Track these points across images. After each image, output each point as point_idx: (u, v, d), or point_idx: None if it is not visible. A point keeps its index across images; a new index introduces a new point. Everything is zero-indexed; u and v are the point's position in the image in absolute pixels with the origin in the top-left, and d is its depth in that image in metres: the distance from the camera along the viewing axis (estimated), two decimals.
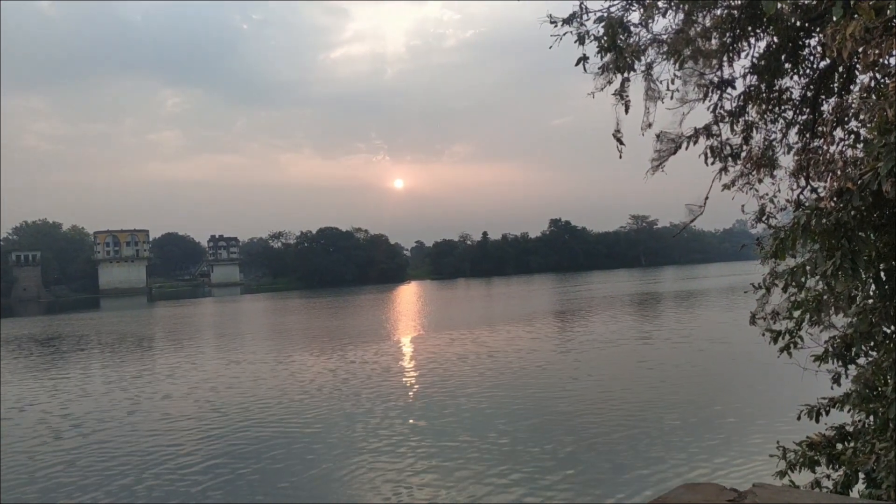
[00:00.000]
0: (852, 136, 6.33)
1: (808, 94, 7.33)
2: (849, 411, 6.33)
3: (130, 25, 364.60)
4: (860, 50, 4.08)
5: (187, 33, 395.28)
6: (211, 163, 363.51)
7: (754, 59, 7.26)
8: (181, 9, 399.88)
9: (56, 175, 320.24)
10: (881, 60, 4.17)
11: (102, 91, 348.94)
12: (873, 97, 4.99)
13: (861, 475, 6.02)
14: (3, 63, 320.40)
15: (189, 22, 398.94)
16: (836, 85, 7.08)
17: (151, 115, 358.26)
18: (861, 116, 6.01)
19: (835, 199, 4.23)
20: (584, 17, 7.00)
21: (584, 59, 7.03)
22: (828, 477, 6.57)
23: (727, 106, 7.51)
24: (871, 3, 3.99)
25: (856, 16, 4.12)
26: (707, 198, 7.44)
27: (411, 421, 23.28)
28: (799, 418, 7.04)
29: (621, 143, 7.42)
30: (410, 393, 28.21)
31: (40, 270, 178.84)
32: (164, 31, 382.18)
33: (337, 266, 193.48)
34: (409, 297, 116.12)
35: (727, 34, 7.10)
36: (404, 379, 31.82)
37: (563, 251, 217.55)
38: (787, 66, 7.20)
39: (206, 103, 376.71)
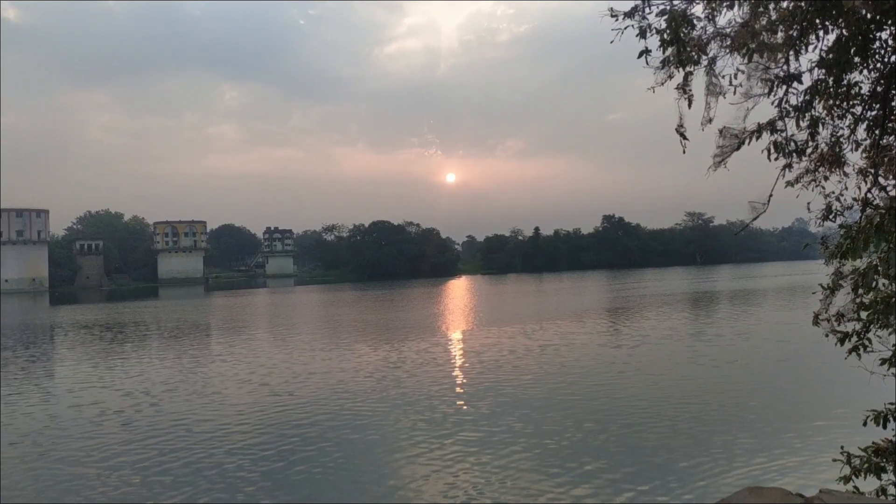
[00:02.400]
0: None
1: (878, 89, 7.09)
2: None
3: (190, 21, 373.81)
4: None
5: (245, 29, 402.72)
6: (267, 156, 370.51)
7: (822, 53, 7.05)
8: (239, 5, 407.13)
9: (118, 167, 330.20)
10: None
11: (163, 85, 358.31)
12: None
13: None
14: (67, 58, 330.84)
15: (247, 17, 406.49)
16: None
17: (210, 109, 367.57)
18: None
19: None
20: (647, 10, 6.89)
21: (646, 51, 6.91)
22: (894, 484, 6.37)
23: (793, 101, 7.30)
24: None
25: None
26: (771, 195, 7.25)
27: (460, 414, 23.31)
28: (865, 424, 6.82)
29: (685, 137, 7.28)
30: (459, 386, 28.26)
31: (102, 259, 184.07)
32: (222, 26, 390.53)
33: (388, 259, 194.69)
34: (460, 291, 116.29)
35: (794, 27, 6.91)
36: (454, 372, 31.89)
37: (616, 248, 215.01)
38: (856, 59, 6.98)
39: (262, 97, 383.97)
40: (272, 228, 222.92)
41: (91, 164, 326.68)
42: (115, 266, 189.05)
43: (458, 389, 27.77)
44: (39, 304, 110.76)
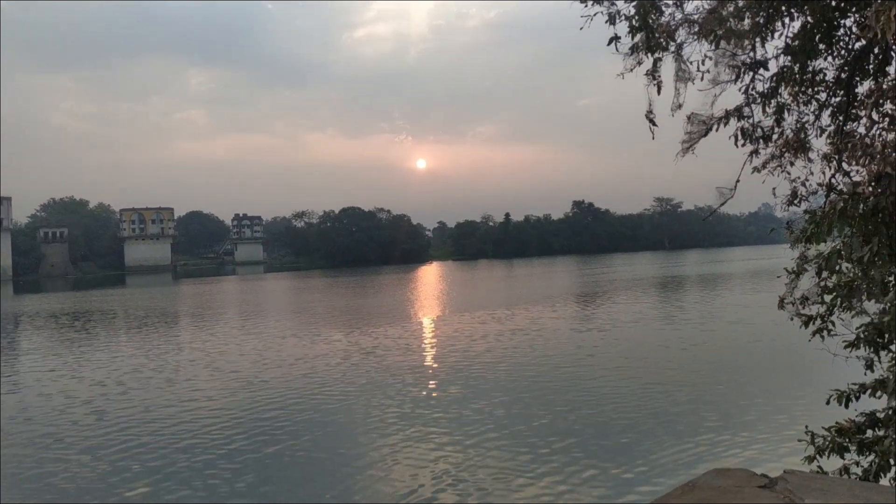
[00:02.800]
0: (887, 119, 6.21)
1: (843, 75, 7.19)
2: (880, 398, 6.26)
3: (157, 6, 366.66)
4: None
5: (213, 13, 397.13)
6: (236, 142, 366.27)
7: (788, 40, 7.13)
8: None
9: (83, 153, 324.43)
10: None
11: (130, 70, 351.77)
12: None
13: (893, 463, 5.96)
14: (31, 43, 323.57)
15: (215, 2, 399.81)
16: (871, 66, 6.94)
17: (178, 94, 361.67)
18: None
19: (873, 183, 4.16)
20: None
21: (615, 38, 6.94)
22: (857, 464, 6.52)
23: (759, 87, 7.38)
24: None
25: None
26: (738, 181, 7.34)
27: (430, 400, 23.37)
28: (828, 403, 6.98)
29: (654, 124, 7.33)
30: (431, 371, 28.30)
31: (67, 247, 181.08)
32: (190, 10, 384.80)
33: (359, 246, 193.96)
34: (430, 277, 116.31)
35: (760, 14, 6.98)
36: (425, 358, 31.94)
37: (585, 233, 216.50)
38: (821, 46, 7.07)
39: (231, 83, 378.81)
40: (241, 215, 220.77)
41: (55, 151, 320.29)
42: (80, 254, 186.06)
43: (429, 374, 27.82)
44: (3, 294, 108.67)
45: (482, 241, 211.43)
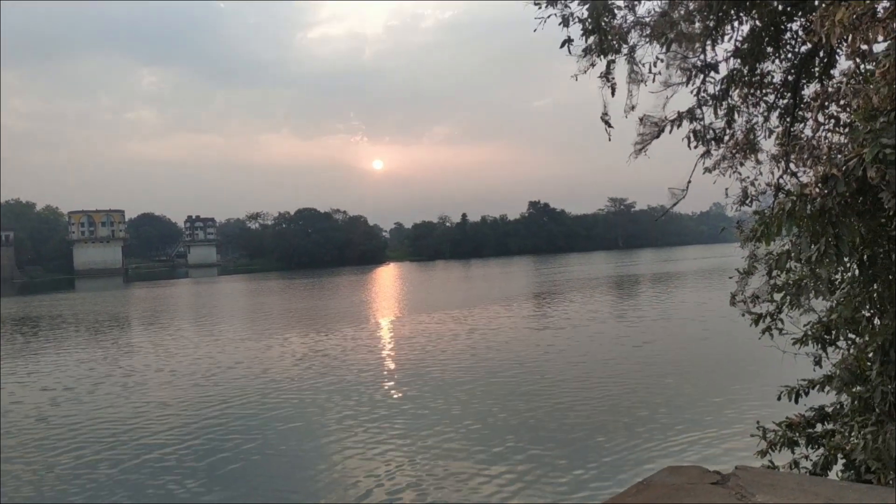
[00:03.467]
0: (832, 121, 6.36)
1: (790, 78, 7.36)
2: (828, 393, 6.42)
3: (105, 3, 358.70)
4: (847, 36, 4.09)
5: (164, 11, 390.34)
6: (188, 142, 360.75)
7: (737, 43, 7.28)
8: None
9: (30, 154, 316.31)
10: (867, 47, 4.19)
11: (78, 68, 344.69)
12: (860, 82, 5.02)
13: (840, 457, 6.11)
14: None
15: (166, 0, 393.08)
16: (817, 69, 7.11)
17: (128, 93, 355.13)
18: (843, 101, 6.04)
19: (820, 184, 4.26)
20: None
21: (568, 41, 7.01)
22: (806, 457, 6.67)
23: (710, 90, 7.53)
24: None
25: (844, 1, 4.13)
26: (690, 181, 7.48)
27: (387, 401, 23.30)
28: (779, 398, 7.13)
29: (609, 125, 7.42)
30: (388, 372, 28.23)
31: (14, 251, 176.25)
32: (140, 8, 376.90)
33: (315, 247, 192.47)
34: (387, 278, 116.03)
35: (710, 17, 7.11)
36: (382, 363, 31.83)
37: (541, 233, 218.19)
38: (768, 49, 7.22)
39: (183, 82, 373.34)
40: (194, 217, 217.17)
41: (0, 151, 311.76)
42: (27, 258, 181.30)
43: (386, 375, 27.74)
44: None
45: (439, 242, 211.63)
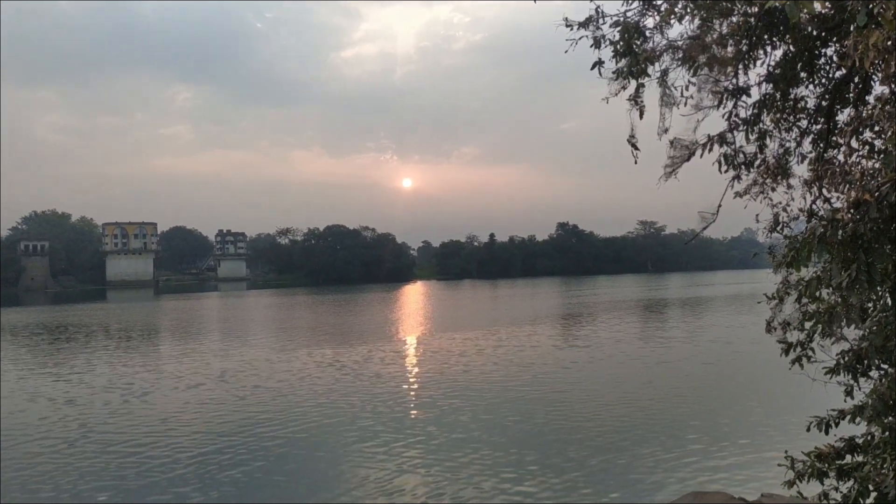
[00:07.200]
0: (867, 147, 6.28)
1: (823, 103, 7.28)
2: (858, 423, 6.28)
3: (142, 20, 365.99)
4: (881, 61, 4.04)
5: (200, 29, 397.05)
6: (221, 158, 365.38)
7: (770, 68, 7.21)
8: (194, 6, 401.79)
9: (66, 167, 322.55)
10: None
11: (114, 85, 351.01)
12: (894, 108, 4.95)
13: (871, 489, 5.97)
14: (14, 55, 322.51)
15: (202, 18, 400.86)
16: (851, 95, 7.03)
17: (163, 109, 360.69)
18: (877, 127, 5.96)
19: (852, 210, 4.20)
20: (601, 20, 6.97)
21: (599, 63, 7.00)
22: (836, 489, 6.53)
23: (742, 114, 7.46)
24: (895, 13, 3.95)
25: (878, 25, 4.08)
26: (720, 206, 7.39)
27: (411, 421, 23.26)
28: (808, 429, 6.99)
29: (636, 148, 7.38)
30: (413, 393, 28.18)
31: (48, 261, 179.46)
32: (176, 26, 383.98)
33: (343, 264, 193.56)
34: (414, 296, 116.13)
35: (743, 42, 7.06)
36: (407, 378, 31.80)
37: (569, 255, 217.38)
38: (802, 74, 7.15)
39: (217, 99, 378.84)
40: (225, 231, 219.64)
41: (38, 164, 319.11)
42: (61, 268, 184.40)
43: (413, 393, 27.70)
44: None
45: (466, 261, 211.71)
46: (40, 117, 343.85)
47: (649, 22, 7.10)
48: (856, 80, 6.88)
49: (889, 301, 5.00)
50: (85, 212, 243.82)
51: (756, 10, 6.80)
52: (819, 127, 7.33)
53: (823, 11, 6.38)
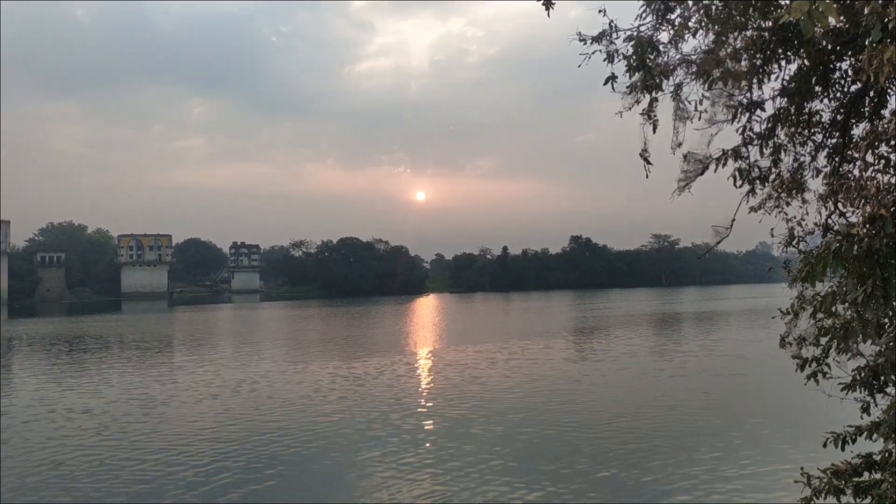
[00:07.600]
0: (882, 162, 6.24)
1: (838, 117, 7.25)
2: (875, 440, 6.22)
3: (160, 34, 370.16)
4: None
5: (216, 44, 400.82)
6: (236, 171, 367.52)
7: (784, 82, 7.19)
8: (211, 20, 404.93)
9: (83, 179, 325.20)
10: None
11: (131, 98, 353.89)
12: None
13: None
14: (34, 68, 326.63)
15: (218, 32, 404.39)
16: (866, 109, 7.00)
17: (179, 122, 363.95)
18: (892, 142, 5.93)
19: (867, 225, 4.17)
20: (614, 35, 6.99)
21: (612, 77, 7.01)
22: None
23: (756, 128, 7.44)
24: None
25: (893, 40, 4.07)
26: (734, 220, 7.37)
27: (424, 433, 23.21)
28: (825, 446, 6.92)
29: (649, 162, 7.38)
30: (425, 405, 28.10)
31: (64, 272, 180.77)
32: (193, 40, 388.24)
33: (356, 276, 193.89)
34: (427, 309, 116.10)
35: (757, 56, 7.05)
36: (420, 390, 31.77)
37: (582, 268, 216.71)
38: (817, 89, 7.13)
39: (232, 112, 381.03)
40: (238, 243, 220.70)
41: (55, 175, 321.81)
42: (77, 279, 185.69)
43: (425, 405, 27.63)
44: None
45: (479, 274, 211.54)
46: (60, 130, 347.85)
47: (663, 36, 7.11)
48: (871, 94, 6.85)
49: None
50: (101, 223, 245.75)
51: (770, 24, 6.80)
52: (834, 141, 7.30)
53: (838, 26, 6.37)
